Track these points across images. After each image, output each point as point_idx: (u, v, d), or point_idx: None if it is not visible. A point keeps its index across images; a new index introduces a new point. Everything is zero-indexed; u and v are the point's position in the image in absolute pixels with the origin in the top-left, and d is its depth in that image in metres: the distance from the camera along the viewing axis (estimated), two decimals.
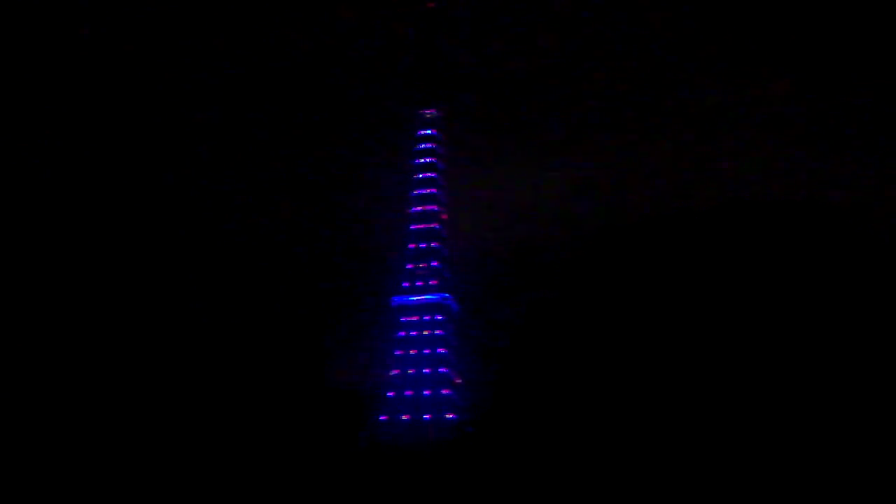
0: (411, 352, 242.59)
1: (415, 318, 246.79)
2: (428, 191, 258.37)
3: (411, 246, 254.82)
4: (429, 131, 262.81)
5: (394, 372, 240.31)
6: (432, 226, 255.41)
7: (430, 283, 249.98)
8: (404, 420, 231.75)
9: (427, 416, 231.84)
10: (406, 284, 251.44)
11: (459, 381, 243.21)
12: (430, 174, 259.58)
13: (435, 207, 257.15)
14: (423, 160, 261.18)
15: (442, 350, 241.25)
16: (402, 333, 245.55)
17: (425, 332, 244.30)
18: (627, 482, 75.97)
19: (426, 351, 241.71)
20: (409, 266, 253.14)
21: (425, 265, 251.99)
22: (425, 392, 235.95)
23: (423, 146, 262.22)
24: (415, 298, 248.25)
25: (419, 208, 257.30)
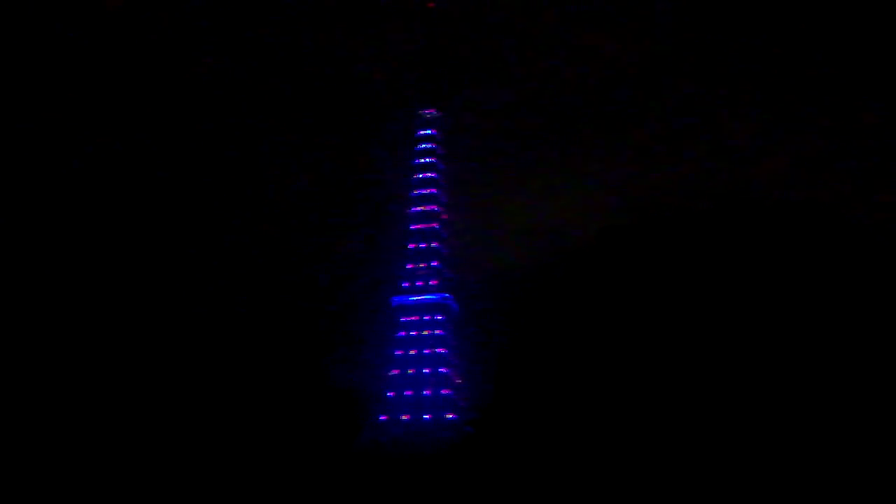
0: (411, 352, 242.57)
1: (415, 318, 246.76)
2: (428, 191, 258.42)
3: (411, 246, 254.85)
4: (429, 131, 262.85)
5: (394, 372, 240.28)
6: (432, 226, 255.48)
7: (430, 283, 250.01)
8: (404, 420, 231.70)
9: (427, 416, 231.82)
10: (406, 284, 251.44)
11: (459, 381, 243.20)
12: (430, 174, 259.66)
13: (435, 207, 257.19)
14: (423, 160, 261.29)
15: (442, 350, 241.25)
16: (402, 333, 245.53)
17: (425, 332, 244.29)
18: (628, 482, 75.99)
19: (426, 351, 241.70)
20: (409, 266, 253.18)
21: (425, 265, 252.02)
22: (425, 392, 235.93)
23: (423, 146, 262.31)
24: (415, 298, 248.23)
25: (419, 208, 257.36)
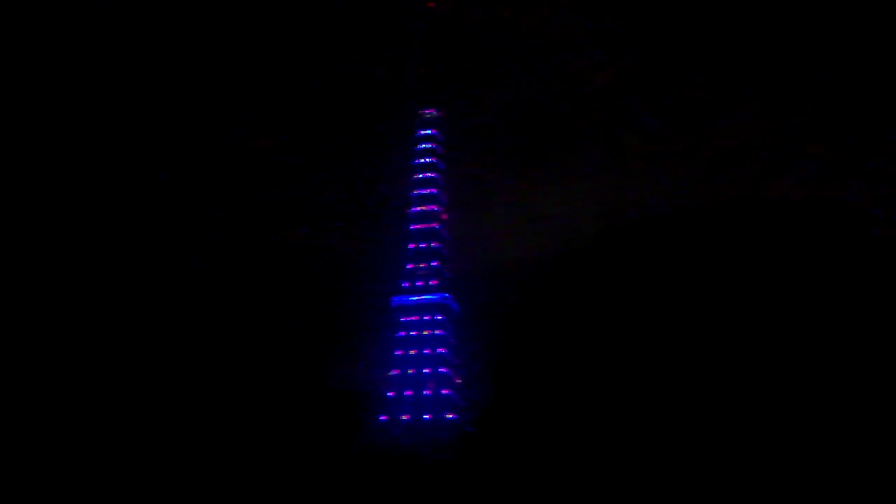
0: (411, 352, 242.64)
1: (415, 318, 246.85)
2: (428, 191, 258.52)
3: (411, 246, 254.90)
4: (429, 131, 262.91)
5: (394, 372, 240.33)
6: (432, 226, 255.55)
7: (430, 283, 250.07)
8: (404, 420, 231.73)
9: (427, 416, 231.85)
10: (406, 284, 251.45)
11: (459, 381, 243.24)
12: (430, 174, 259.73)
13: (435, 207, 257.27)
14: (423, 160, 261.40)
15: (442, 350, 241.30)
16: (402, 333, 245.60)
17: (425, 332, 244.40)
18: (627, 482, 76.05)
19: (426, 351, 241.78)
20: (409, 266, 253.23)
21: (425, 265, 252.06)
22: (425, 392, 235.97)
23: (423, 146, 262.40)
24: (415, 298, 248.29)
25: (419, 208, 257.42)
